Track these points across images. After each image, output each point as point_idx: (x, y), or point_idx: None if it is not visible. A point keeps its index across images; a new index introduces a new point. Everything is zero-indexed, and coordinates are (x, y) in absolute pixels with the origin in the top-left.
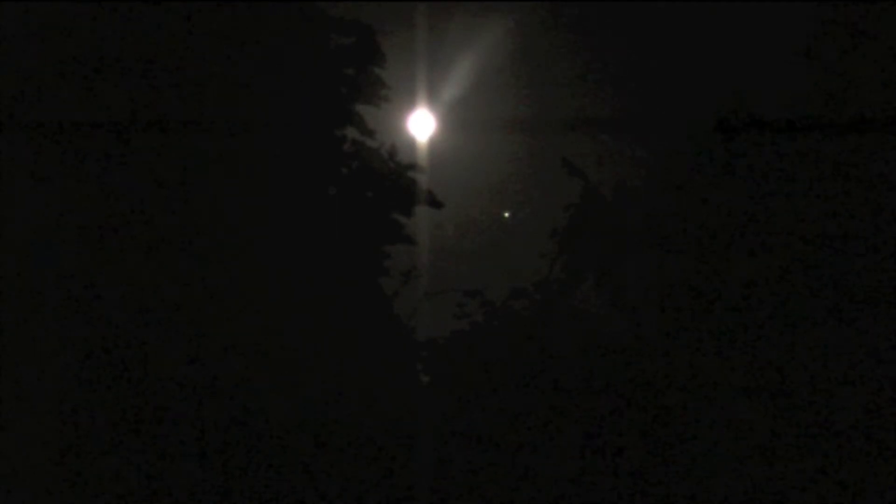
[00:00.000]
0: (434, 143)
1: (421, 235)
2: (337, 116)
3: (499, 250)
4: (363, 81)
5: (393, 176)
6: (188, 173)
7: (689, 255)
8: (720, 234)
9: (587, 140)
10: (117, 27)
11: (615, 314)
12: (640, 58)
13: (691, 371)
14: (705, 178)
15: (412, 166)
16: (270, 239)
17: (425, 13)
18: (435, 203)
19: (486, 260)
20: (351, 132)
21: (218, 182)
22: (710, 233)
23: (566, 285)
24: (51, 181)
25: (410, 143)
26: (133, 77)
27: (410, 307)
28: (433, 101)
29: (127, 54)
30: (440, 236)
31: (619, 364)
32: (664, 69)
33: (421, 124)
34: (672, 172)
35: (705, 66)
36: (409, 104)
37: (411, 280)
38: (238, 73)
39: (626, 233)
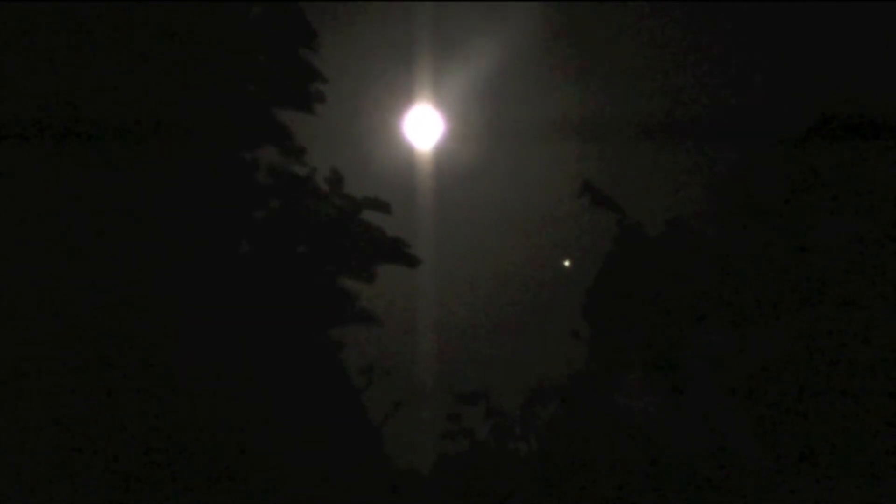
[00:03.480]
0: (435, 153)
1: (388, 308)
2: (244, 129)
3: (510, 326)
4: (284, 72)
5: (337, 220)
6: None
7: (780, 324)
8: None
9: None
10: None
11: (678, 421)
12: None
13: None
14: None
15: (372, 202)
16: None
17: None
18: (410, 260)
19: (491, 344)
20: (267, 154)
21: None
22: (805, 293)
23: (606, 378)
24: None
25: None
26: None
27: (374, 422)
28: (436, 100)
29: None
30: (421, 308)
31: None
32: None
33: (420, 126)
34: (752, 192)
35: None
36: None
37: (373, 382)
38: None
39: (686, 295)
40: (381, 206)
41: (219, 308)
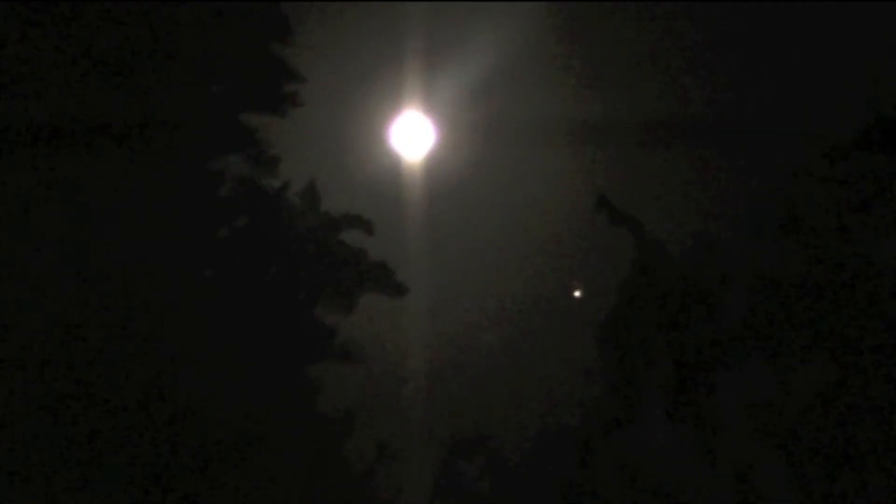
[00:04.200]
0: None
1: (371, 344)
2: (208, 134)
3: (513, 363)
4: (254, 70)
5: (313, 242)
6: None
7: (828, 362)
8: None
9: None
10: None
11: (706, 474)
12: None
13: None
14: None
15: (353, 221)
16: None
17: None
18: (396, 288)
19: (491, 384)
20: (233, 165)
21: None
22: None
23: (623, 424)
24: None
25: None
26: None
27: (356, 475)
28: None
29: None
30: (410, 344)
31: None
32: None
33: (409, 133)
34: (796, 207)
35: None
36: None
37: (355, 429)
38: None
39: (717, 327)
40: (364, 226)
41: (175, 343)
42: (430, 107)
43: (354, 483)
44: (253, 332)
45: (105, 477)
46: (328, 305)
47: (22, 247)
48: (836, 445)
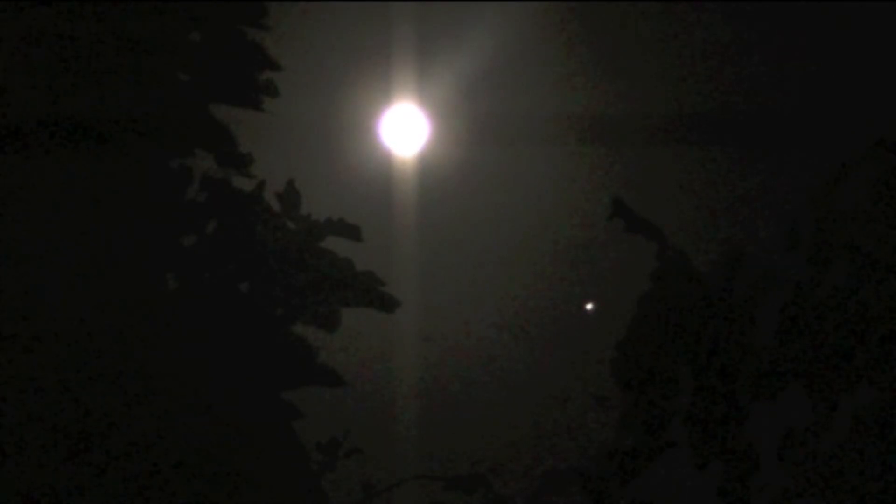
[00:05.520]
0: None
1: (357, 365)
2: (172, 129)
3: (515, 388)
4: (224, 56)
5: (292, 250)
6: None
7: (874, 392)
8: None
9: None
10: None
11: None
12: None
13: None
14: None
15: (337, 227)
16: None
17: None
18: (386, 302)
19: (491, 413)
20: (201, 162)
21: None
22: None
23: (642, 460)
24: None
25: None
26: None
27: None
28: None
29: None
30: (400, 365)
31: None
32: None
33: (401, 128)
34: (839, 215)
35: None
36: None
37: (337, 461)
38: None
39: (749, 351)
40: (350, 232)
41: (135, 361)
42: (425, 98)
43: None
44: (223, 353)
45: None
46: (309, 322)
47: None
48: (886, 481)
